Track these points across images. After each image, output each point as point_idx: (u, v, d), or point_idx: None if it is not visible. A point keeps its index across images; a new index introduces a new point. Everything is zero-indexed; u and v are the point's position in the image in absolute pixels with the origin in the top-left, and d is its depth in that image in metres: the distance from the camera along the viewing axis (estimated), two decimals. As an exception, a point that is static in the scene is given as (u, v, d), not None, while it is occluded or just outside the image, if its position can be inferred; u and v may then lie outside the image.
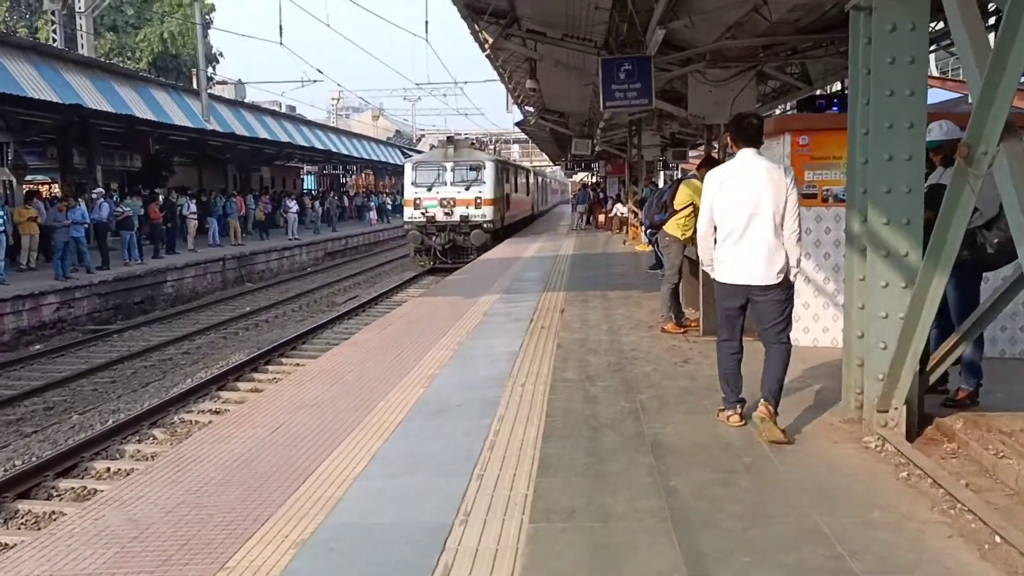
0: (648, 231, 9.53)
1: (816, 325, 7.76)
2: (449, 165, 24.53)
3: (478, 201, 23.95)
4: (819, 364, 6.98)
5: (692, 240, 8.87)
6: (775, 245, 4.86)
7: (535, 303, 11.49)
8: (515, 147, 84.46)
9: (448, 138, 26.62)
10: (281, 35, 25.03)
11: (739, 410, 5.24)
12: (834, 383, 6.02)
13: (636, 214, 21.29)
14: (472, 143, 27.26)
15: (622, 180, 30.35)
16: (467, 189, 24.16)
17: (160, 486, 4.54)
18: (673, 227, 8.82)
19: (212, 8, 40.75)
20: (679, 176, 9.25)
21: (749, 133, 5.05)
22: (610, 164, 36.04)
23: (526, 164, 47.93)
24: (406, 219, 24.49)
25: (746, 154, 5.02)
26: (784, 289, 4.98)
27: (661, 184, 23.90)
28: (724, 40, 12.46)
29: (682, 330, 8.79)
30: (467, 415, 5.80)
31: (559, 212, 55.35)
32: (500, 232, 25.58)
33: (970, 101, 3.94)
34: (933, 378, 5.05)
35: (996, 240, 5.11)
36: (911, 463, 4.31)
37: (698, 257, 8.50)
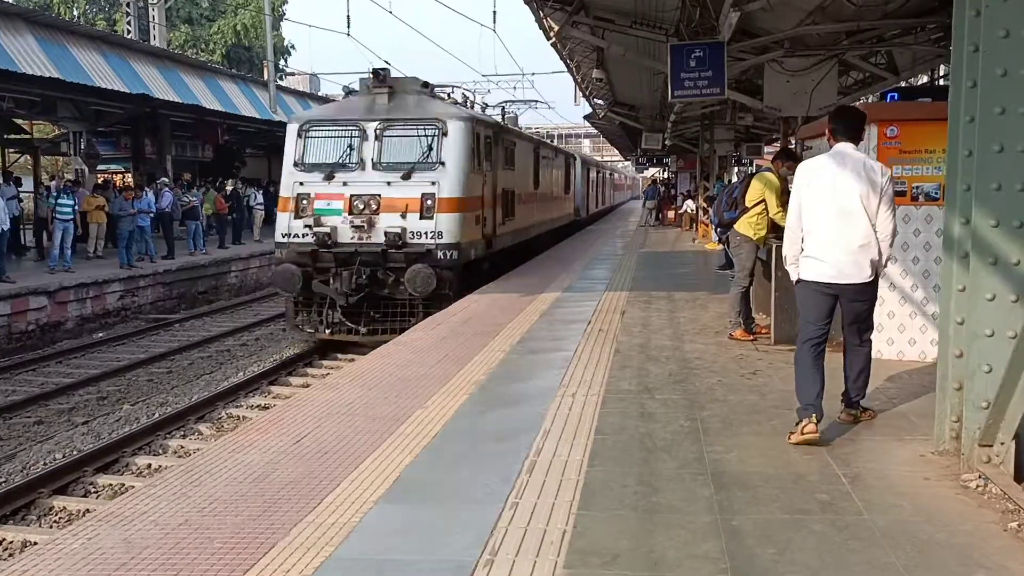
0: (718, 230, 8.86)
1: (902, 336, 7.01)
2: (372, 128, 12.53)
3: (427, 205, 12.11)
4: (905, 380, 6.27)
5: (765, 239, 8.20)
6: (868, 243, 4.74)
7: (596, 303, 10.92)
8: (586, 141, 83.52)
9: (374, 72, 13.40)
10: (349, 26, 24.74)
11: (815, 419, 4.76)
12: (924, 405, 5.34)
13: (706, 211, 20.47)
14: (425, 85, 13.94)
15: (693, 175, 29.41)
16: (405, 179, 12.24)
17: (166, 501, 4.17)
18: (744, 226, 8.15)
19: (284, 0, 41.14)
20: (751, 171, 8.62)
21: (852, 126, 4.94)
22: (682, 159, 35.04)
23: (569, 148, 36.86)
24: (277, 239, 12.49)
25: (843, 148, 4.88)
26: (873, 288, 4.92)
27: (734, 179, 23.02)
28: (804, 26, 11.64)
29: (752, 338, 8.13)
30: (508, 429, 5.31)
31: (628, 208, 54.45)
32: (483, 266, 14.16)
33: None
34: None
35: None
36: (1022, 510, 3.64)
37: (771, 257, 7.91)
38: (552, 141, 48.58)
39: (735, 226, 8.23)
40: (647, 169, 56.84)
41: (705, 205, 21.24)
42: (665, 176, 45.91)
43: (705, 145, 22.86)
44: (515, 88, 57.76)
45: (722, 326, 8.81)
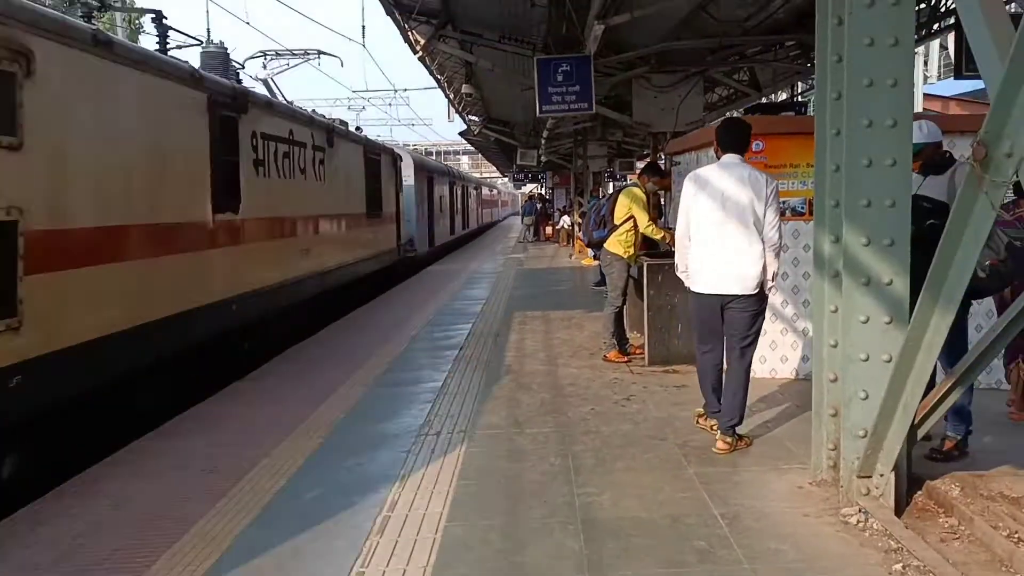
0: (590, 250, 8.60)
1: (774, 354, 6.89)
2: None
3: None
4: (779, 400, 6.11)
5: (636, 257, 7.99)
6: (753, 255, 4.79)
7: (470, 326, 10.49)
8: (464, 158, 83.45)
9: None
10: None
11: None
12: (799, 429, 5.14)
13: (579, 227, 20.46)
14: None
15: (569, 191, 29.54)
16: None
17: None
18: (614, 244, 7.90)
19: (142, 13, 39.03)
20: (619, 187, 8.47)
21: (738, 138, 5.01)
22: (557, 175, 35.30)
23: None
24: None
25: (731, 159, 4.95)
26: (758, 300, 4.93)
27: (609, 193, 23.11)
28: (669, 42, 11.66)
29: (626, 359, 7.87)
30: (362, 479, 4.76)
31: (508, 224, 54.57)
32: None
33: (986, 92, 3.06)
34: (922, 432, 4.16)
35: (988, 263, 4.26)
36: (905, 549, 3.40)
37: (642, 275, 7.69)
38: (433, 158, 46.99)
39: (605, 245, 7.96)
40: (524, 185, 57.37)
41: (580, 221, 21.22)
42: (542, 192, 46.25)
43: (579, 161, 22.90)
44: (390, 104, 56.96)
45: (596, 347, 8.53)
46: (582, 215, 20.48)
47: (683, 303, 7.40)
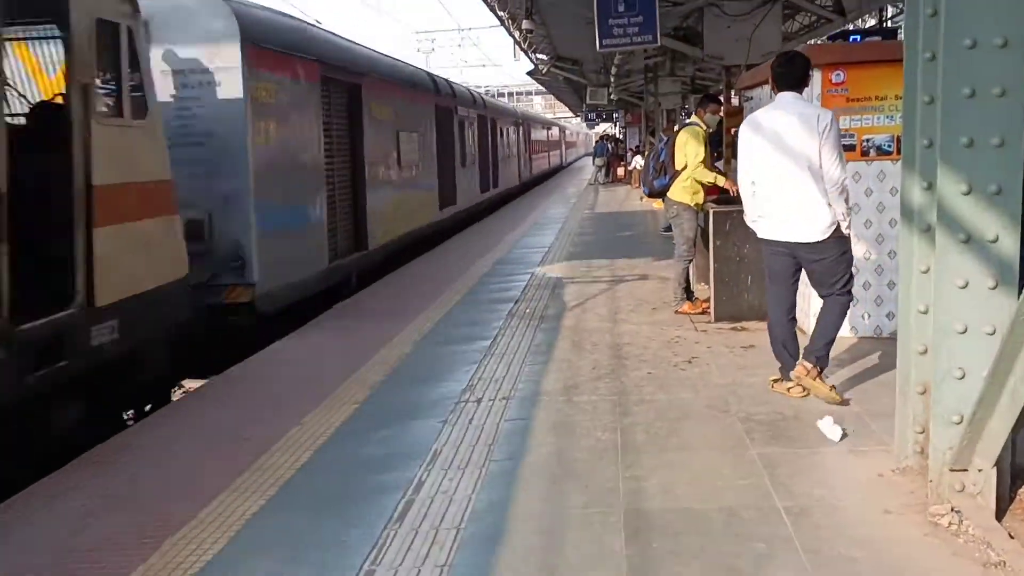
0: (647, 194, 7.94)
1: (855, 310, 6.17)
2: None
3: None
4: (860, 364, 5.50)
5: (704, 204, 7.35)
6: (816, 199, 4.50)
7: (528, 277, 10.03)
8: (537, 99, 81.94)
9: None
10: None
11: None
12: (882, 398, 4.54)
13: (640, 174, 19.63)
14: None
15: (651, 130, 28.46)
16: None
17: None
18: (680, 192, 7.27)
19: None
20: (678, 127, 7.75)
21: (794, 74, 4.69)
22: (630, 114, 34.14)
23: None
24: None
25: (785, 98, 4.67)
26: (835, 245, 4.61)
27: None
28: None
29: (702, 307, 7.29)
30: (392, 454, 4.39)
31: (580, 166, 53.51)
32: None
33: None
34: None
35: None
36: (1008, 566, 2.83)
37: (708, 224, 7.06)
38: (505, 100, 44.99)
39: (669, 194, 7.33)
40: (597, 125, 56.03)
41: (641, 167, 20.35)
42: (616, 131, 45.06)
43: (650, 99, 21.89)
44: (459, 46, 55.89)
45: (660, 300, 7.98)
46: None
47: (753, 254, 6.76)
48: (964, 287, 3.20)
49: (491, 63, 56.03)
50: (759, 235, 4.90)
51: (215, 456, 4.55)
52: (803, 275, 4.91)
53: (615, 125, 47.15)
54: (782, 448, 4.11)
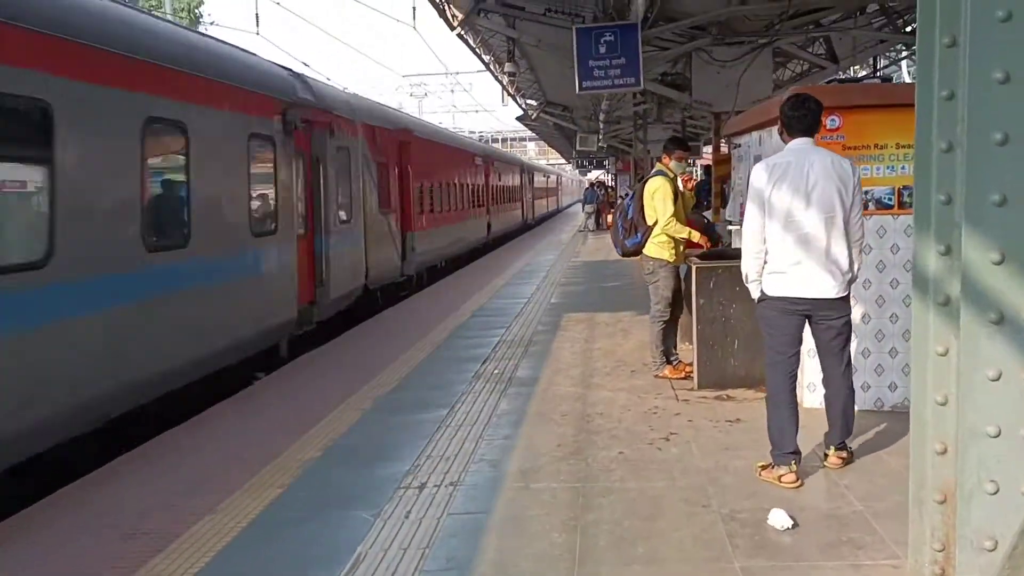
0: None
1: (880, 380, 5.55)
2: None
3: None
4: (860, 441, 4.81)
5: (684, 256, 6.74)
6: (843, 252, 4.27)
7: (503, 331, 9.37)
8: (531, 145, 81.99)
9: None
10: (258, 25, 22.85)
11: (794, 466, 4.24)
12: (890, 493, 3.86)
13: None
14: None
15: (639, 177, 28.08)
16: None
17: None
18: (654, 248, 6.64)
19: (200, 2, 38.88)
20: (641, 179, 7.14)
21: (806, 119, 4.33)
22: (620, 161, 33.84)
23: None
24: None
25: (803, 145, 4.33)
26: (848, 304, 4.45)
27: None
28: (732, 7, 10.25)
29: (684, 372, 6.62)
30: (308, 559, 3.68)
31: (575, 211, 53.16)
32: None
33: None
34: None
35: None
36: None
37: (690, 279, 6.43)
38: (498, 145, 46.85)
39: (644, 250, 6.69)
40: (589, 172, 55.94)
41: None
42: (608, 178, 44.86)
43: (639, 145, 21.47)
44: (451, 91, 55.89)
45: (639, 362, 7.31)
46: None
47: (740, 315, 6.14)
48: (997, 379, 2.55)
49: (483, 108, 55.75)
50: (769, 292, 4.37)
51: (97, 557, 3.83)
52: None
53: (607, 171, 46.93)
54: (770, 561, 3.41)
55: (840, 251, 4.25)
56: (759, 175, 4.34)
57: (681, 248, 6.71)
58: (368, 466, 4.93)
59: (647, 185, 6.67)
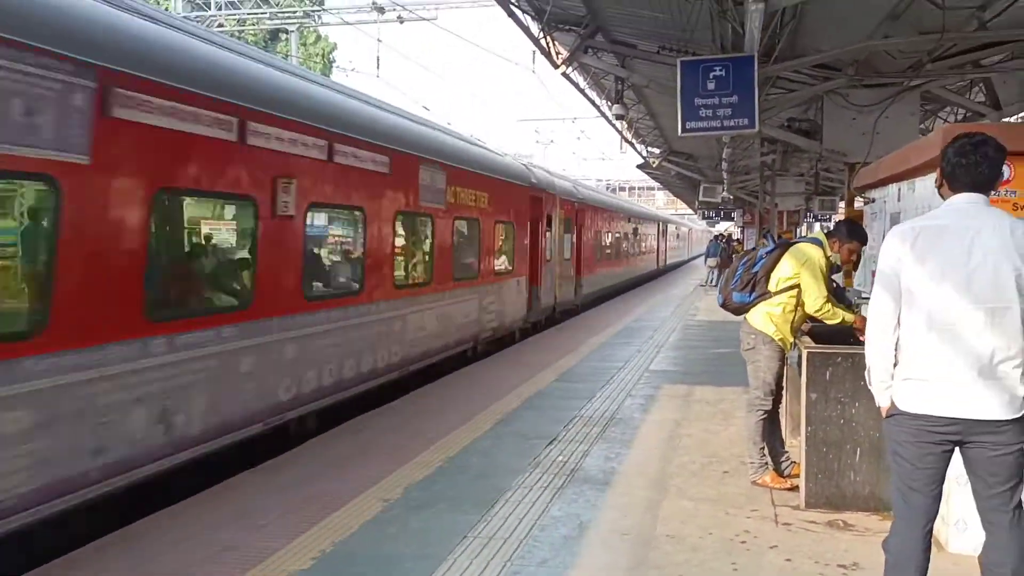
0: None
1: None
2: None
3: None
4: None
5: (793, 342, 5.44)
6: (1019, 357, 3.01)
7: (585, 403, 8.19)
8: (660, 194, 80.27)
9: None
10: (378, 67, 22.84)
11: None
12: None
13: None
14: None
15: (764, 232, 26.27)
16: None
17: None
18: (763, 318, 5.40)
19: (334, 47, 39.93)
20: (785, 238, 6.00)
21: (978, 168, 3.15)
22: (748, 213, 32.03)
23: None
24: None
25: (967, 203, 3.16)
26: (1021, 426, 3.05)
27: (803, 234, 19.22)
28: (874, 41, 8.81)
29: (787, 484, 5.30)
30: None
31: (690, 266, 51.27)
32: None
33: None
34: None
35: None
36: None
37: (803, 367, 5.10)
38: (625, 194, 48.74)
39: (747, 316, 5.47)
40: (717, 223, 53.86)
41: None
42: (736, 230, 42.98)
43: (766, 197, 19.88)
44: (577, 139, 55.48)
45: (738, 458, 5.99)
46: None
47: (864, 416, 4.78)
48: None
49: (607, 157, 55.03)
50: (903, 406, 3.18)
51: None
52: None
53: (736, 224, 44.98)
54: None
55: (1012, 356, 3.03)
56: (892, 245, 3.21)
57: (792, 331, 5.40)
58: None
59: (800, 247, 5.44)
